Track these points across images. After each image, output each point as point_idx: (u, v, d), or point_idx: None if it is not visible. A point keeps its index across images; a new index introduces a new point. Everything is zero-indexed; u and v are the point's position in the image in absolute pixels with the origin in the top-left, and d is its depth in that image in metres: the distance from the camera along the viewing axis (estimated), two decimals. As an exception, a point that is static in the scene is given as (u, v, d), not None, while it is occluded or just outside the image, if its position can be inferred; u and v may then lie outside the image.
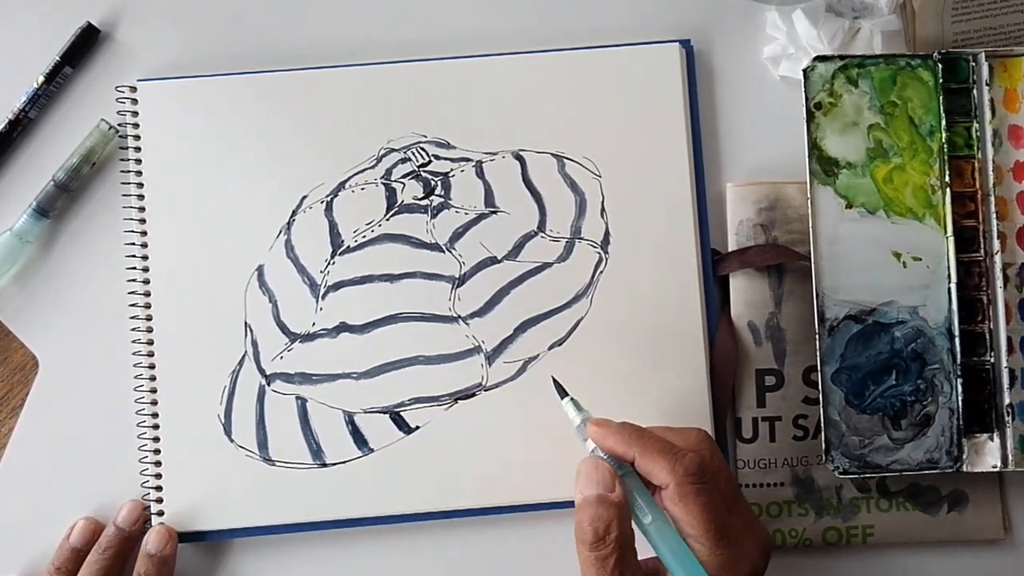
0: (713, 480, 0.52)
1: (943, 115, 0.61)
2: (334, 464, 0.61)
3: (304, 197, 0.63)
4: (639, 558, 0.52)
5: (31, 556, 0.62)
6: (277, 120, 0.63)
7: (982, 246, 0.61)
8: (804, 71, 0.61)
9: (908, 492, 0.63)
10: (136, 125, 0.63)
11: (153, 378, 0.62)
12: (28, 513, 0.62)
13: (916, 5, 0.62)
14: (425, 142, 0.63)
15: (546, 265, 0.62)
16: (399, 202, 0.63)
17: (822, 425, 0.60)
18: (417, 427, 0.62)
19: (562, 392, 0.57)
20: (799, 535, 0.62)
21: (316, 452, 0.61)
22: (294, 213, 0.63)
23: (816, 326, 0.60)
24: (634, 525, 0.52)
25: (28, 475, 0.62)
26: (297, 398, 0.62)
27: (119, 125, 0.64)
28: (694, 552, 0.51)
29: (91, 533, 0.61)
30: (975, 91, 0.62)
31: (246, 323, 0.62)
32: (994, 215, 0.61)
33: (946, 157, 0.61)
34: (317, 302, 0.62)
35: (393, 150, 0.63)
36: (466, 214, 0.63)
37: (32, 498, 0.62)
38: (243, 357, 0.62)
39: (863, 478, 0.62)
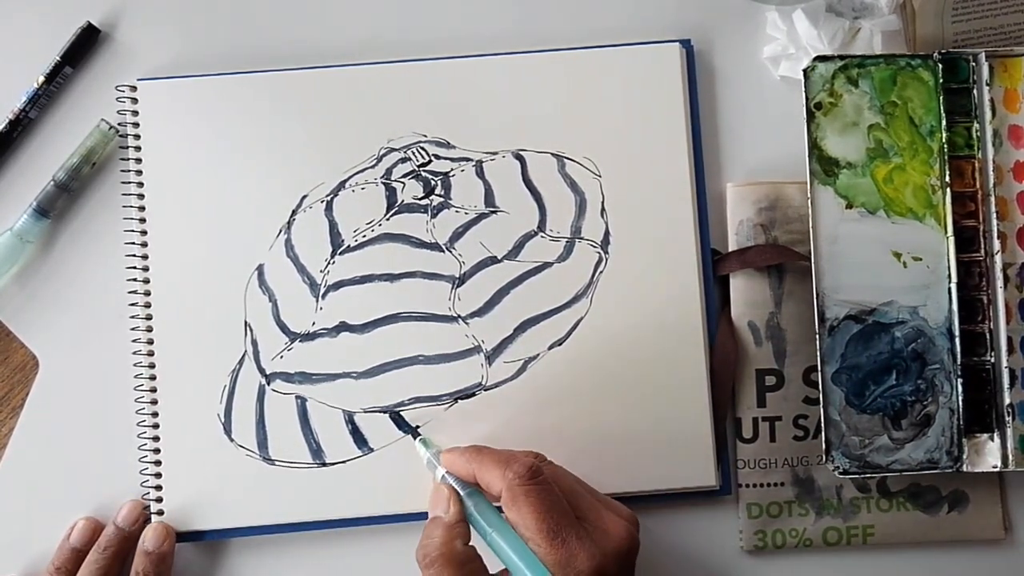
0: (546, 482, 0.53)
1: (943, 115, 0.61)
2: (334, 464, 0.61)
3: (304, 196, 0.63)
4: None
5: (31, 556, 0.62)
6: (277, 120, 0.63)
7: (982, 246, 0.61)
8: (804, 71, 0.61)
9: (908, 492, 0.63)
10: (136, 125, 0.63)
11: (153, 377, 0.62)
12: (28, 513, 0.62)
13: (916, 5, 0.62)
14: (425, 142, 0.63)
15: (546, 265, 0.62)
16: (399, 202, 0.63)
17: (822, 425, 0.60)
18: (417, 427, 0.62)
19: (413, 433, 0.61)
20: (799, 535, 0.62)
21: (316, 451, 0.61)
22: (294, 212, 0.63)
23: (816, 326, 0.60)
24: (484, 541, 0.53)
25: (28, 475, 0.62)
26: (297, 397, 0.62)
27: (119, 125, 0.64)
28: (535, 553, 0.51)
29: (91, 533, 0.61)
30: (975, 91, 0.62)
31: (246, 322, 0.62)
32: (994, 215, 0.61)
33: (946, 157, 0.61)
34: (317, 301, 0.62)
35: (393, 150, 0.63)
36: (466, 214, 0.63)
37: (32, 498, 0.62)
38: (243, 356, 0.62)
39: (863, 478, 0.62)
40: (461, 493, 0.55)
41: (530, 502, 0.52)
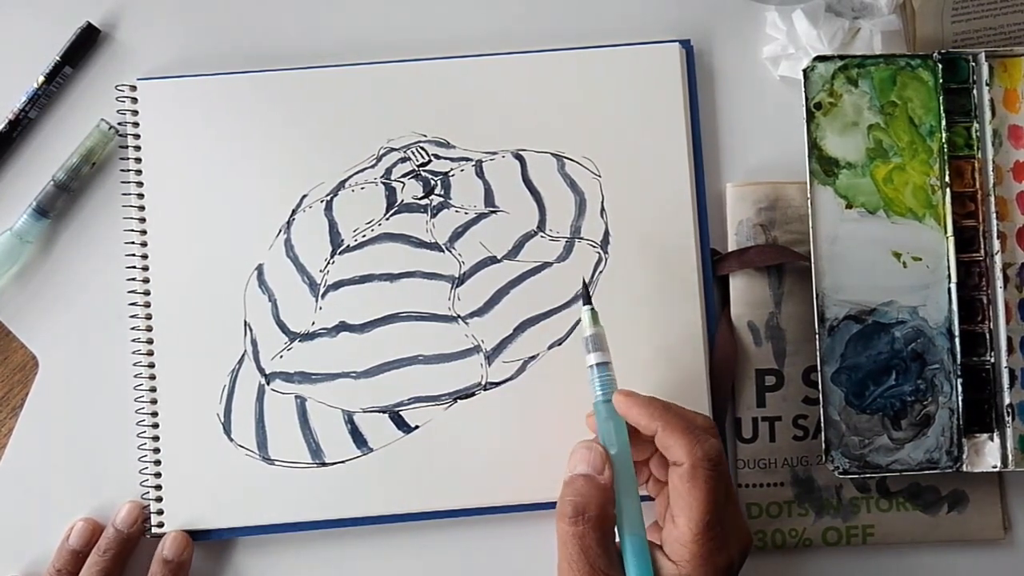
0: (727, 472, 0.52)
1: (943, 115, 0.61)
2: (333, 463, 0.61)
3: (304, 196, 0.63)
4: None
5: (31, 557, 0.62)
6: (277, 119, 0.63)
7: (982, 246, 0.61)
8: (804, 71, 0.61)
9: (908, 492, 0.63)
10: (136, 124, 0.63)
11: (153, 377, 0.62)
12: (28, 513, 0.62)
13: (916, 5, 0.62)
14: (425, 141, 0.63)
15: (546, 265, 0.62)
16: (399, 201, 0.63)
17: (822, 425, 0.60)
18: (416, 426, 0.62)
19: (587, 299, 0.58)
20: (799, 535, 0.62)
21: (315, 451, 0.61)
22: (294, 212, 0.63)
23: (816, 326, 0.60)
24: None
25: (28, 475, 0.62)
26: (296, 397, 0.62)
27: (119, 125, 0.64)
28: (679, 536, 0.51)
29: (90, 534, 0.61)
30: (975, 91, 0.62)
31: (246, 322, 0.62)
32: (994, 215, 0.61)
33: (946, 157, 0.61)
34: (317, 301, 0.62)
35: (393, 149, 0.63)
36: (466, 213, 0.63)
37: (32, 498, 0.62)
38: (243, 356, 0.62)
39: (863, 478, 0.62)
40: (617, 465, 0.53)
41: (709, 488, 0.51)
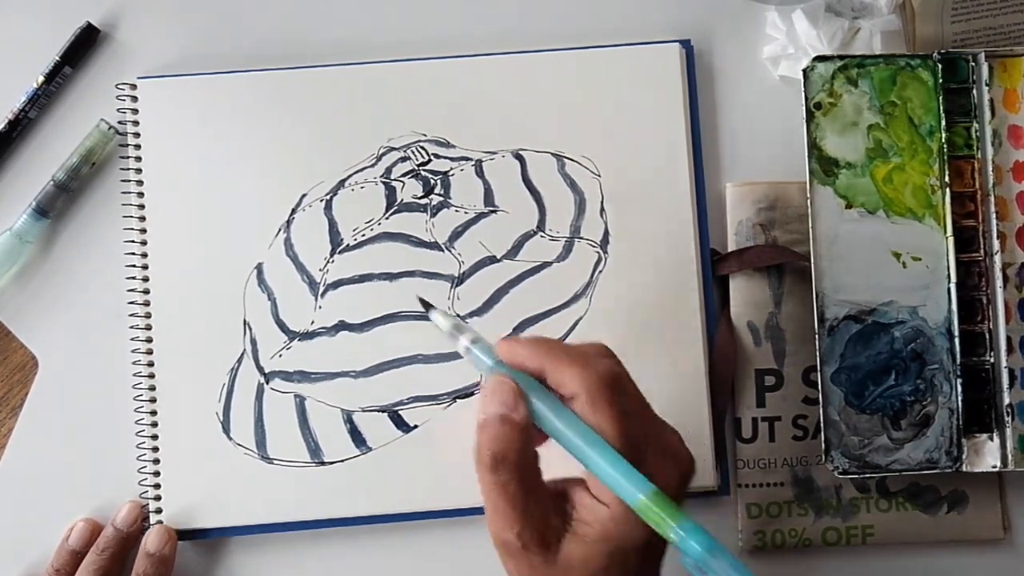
0: (632, 388, 0.49)
1: (943, 115, 0.61)
2: (332, 463, 0.61)
3: (303, 195, 0.63)
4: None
5: (31, 557, 0.62)
6: (277, 118, 0.63)
7: (982, 246, 0.61)
8: (804, 71, 0.61)
9: (908, 492, 0.63)
10: (136, 123, 0.63)
11: (152, 376, 0.62)
12: (28, 513, 0.62)
13: (916, 5, 0.62)
14: (425, 141, 0.64)
15: (545, 264, 0.62)
16: (398, 201, 0.63)
17: (822, 425, 0.60)
18: (416, 426, 0.61)
19: (427, 306, 0.53)
20: (799, 535, 0.62)
21: (314, 450, 0.61)
22: (293, 211, 0.63)
23: (816, 326, 0.60)
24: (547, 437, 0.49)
25: (28, 475, 0.62)
26: (296, 396, 0.62)
27: (119, 124, 0.64)
28: None
29: (90, 535, 0.61)
30: (975, 91, 0.62)
31: (245, 321, 0.62)
32: (994, 215, 0.61)
33: (946, 157, 0.61)
34: (316, 300, 0.62)
35: (393, 149, 0.63)
36: (465, 213, 0.63)
37: (32, 498, 0.62)
38: (242, 355, 0.62)
39: (863, 478, 0.62)
40: (528, 392, 0.48)
41: (614, 411, 0.47)
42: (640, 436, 0.48)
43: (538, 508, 0.47)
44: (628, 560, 0.47)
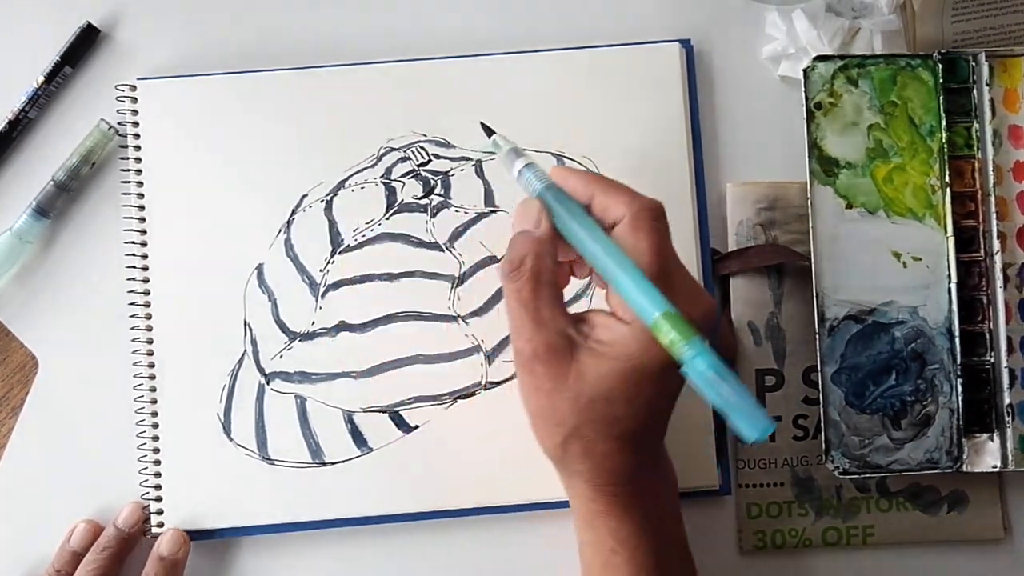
0: (666, 228, 0.50)
1: (943, 115, 0.61)
2: (333, 463, 0.61)
3: (304, 196, 0.63)
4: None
5: (31, 558, 0.62)
6: (277, 119, 0.63)
7: (982, 246, 0.61)
8: (804, 71, 0.61)
9: (908, 492, 0.63)
10: (136, 124, 0.63)
11: (153, 377, 0.62)
12: (28, 514, 0.62)
13: (916, 5, 0.62)
14: (425, 141, 0.63)
15: (546, 264, 0.62)
16: (399, 201, 0.63)
17: (822, 425, 0.60)
18: (416, 426, 0.61)
19: (488, 130, 0.56)
20: (799, 535, 0.62)
21: (315, 451, 0.61)
22: (294, 212, 0.63)
23: (816, 326, 0.60)
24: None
25: (27, 476, 0.62)
26: (296, 397, 0.62)
27: (119, 124, 0.64)
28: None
29: (91, 536, 0.61)
30: (975, 91, 0.62)
31: (246, 322, 0.62)
32: (994, 215, 0.61)
33: (946, 157, 0.61)
34: (317, 301, 0.62)
35: (393, 149, 0.63)
36: (466, 213, 0.63)
37: (32, 499, 0.62)
38: (242, 356, 0.62)
39: (863, 478, 0.62)
40: (570, 215, 0.49)
41: (654, 238, 0.48)
42: (671, 268, 0.49)
43: (553, 320, 0.48)
44: (642, 386, 0.48)
